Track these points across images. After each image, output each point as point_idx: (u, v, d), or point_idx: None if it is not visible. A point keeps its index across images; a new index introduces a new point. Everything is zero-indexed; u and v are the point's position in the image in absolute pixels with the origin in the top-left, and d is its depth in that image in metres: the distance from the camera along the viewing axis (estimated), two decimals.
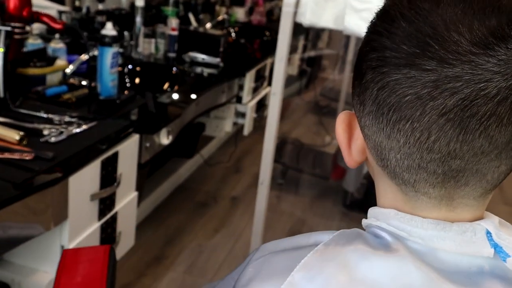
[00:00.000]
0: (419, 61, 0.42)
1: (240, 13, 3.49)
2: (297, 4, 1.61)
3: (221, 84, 2.26)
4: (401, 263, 0.46)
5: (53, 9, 2.14)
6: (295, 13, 1.62)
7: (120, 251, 1.58)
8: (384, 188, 0.52)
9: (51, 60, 1.76)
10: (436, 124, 0.43)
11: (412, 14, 0.44)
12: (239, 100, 2.58)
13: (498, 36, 0.41)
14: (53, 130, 1.37)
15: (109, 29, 1.68)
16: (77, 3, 2.22)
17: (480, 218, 0.49)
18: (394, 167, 0.48)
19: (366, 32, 0.49)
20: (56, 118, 1.45)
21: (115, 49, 1.69)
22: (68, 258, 0.81)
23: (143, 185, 2.20)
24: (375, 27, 0.48)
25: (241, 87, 2.55)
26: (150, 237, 2.46)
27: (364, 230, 0.53)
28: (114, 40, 1.68)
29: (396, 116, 0.45)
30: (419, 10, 0.44)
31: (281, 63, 1.64)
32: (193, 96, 2.00)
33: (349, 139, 0.53)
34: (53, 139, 1.31)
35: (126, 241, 1.60)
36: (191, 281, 2.21)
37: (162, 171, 2.80)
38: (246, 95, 2.56)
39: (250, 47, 2.93)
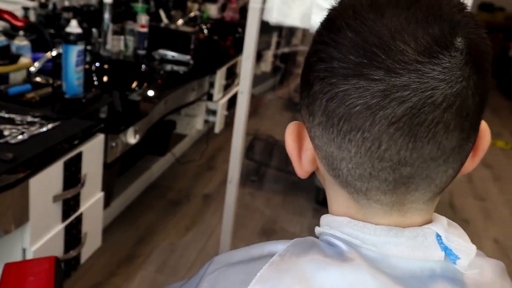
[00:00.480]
0: (366, 71, 0.43)
1: (212, 10, 3.47)
2: (264, 0, 1.60)
3: (191, 82, 2.25)
4: (357, 272, 0.46)
5: (18, 5, 2.10)
6: (262, 9, 1.61)
7: (86, 252, 1.56)
8: (336, 196, 0.52)
9: (14, 58, 1.73)
10: (386, 133, 0.43)
11: (357, 24, 0.44)
12: (210, 97, 2.56)
13: (441, 44, 0.42)
14: (14, 130, 1.34)
15: (73, 27, 1.65)
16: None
17: (430, 220, 0.50)
18: (346, 177, 0.48)
19: (313, 42, 0.49)
20: (18, 118, 1.42)
21: (80, 47, 1.67)
22: (12, 272, 0.79)
23: (113, 184, 2.18)
24: (321, 37, 0.48)
25: (212, 85, 2.53)
26: (122, 236, 2.43)
27: (317, 237, 0.53)
28: (79, 38, 1.66)
29: (347, 126, 0.45)
30: (365, 20, 0.44)
31: (248, 61, 1.64)
32: (162, 94, 1.98)
33: (299, 149, 0.53)
34: (13, 140, 1.29)
35: (92, 242, 1.58)
36: (163, 280, 2.20)
37: (134, 169, 2.77)
38: (217, 92, 2.54)
39: (222, 44, 2.92)
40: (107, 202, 2.19)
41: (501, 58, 6.45)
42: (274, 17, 1.57)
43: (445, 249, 0.47)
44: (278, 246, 0.50)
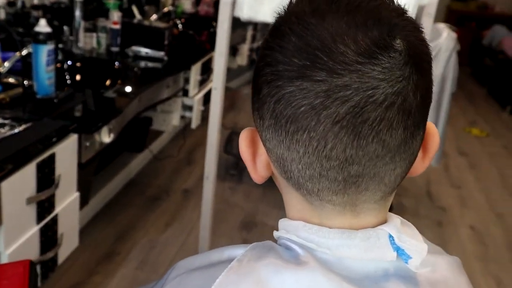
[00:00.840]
0: (310, 72, 0.44)
1: (186, 4, 3.45)
2: None
3: (165, 78, 2.24)
4: (312, 275, 0.47)
5: None
6: (234, 4, 1.61)
7: (63, 252, 1.55)
8: (291, 199, 0.53)
9: None
10: (331, 132, 0.44)
11: (300, 29, 0.46)
12: (185, 93, 2.56)
13: (380, 46, 0.43)
14: None
15: (42, 26, 1.63)
16: None
17: (384, 220, 0.51)
18: (297, 178, 0.49)
19: (260, 49, 0.51)
20: None
21: (50, 46, 1.65)
22: None
23: (90, 183, 2.16)
24: (268, 43, 0.49)
25: (187, 80, 2.52)
26: (101, 234, 2.42)
27: (276, 241, 0.54)
28: (48, 37, 1.64)
29: (294, 127, 0.46)
30: (307, 25, 0.46)
31: (221, 58, 1.64)
32: (136, 91, 1.97)
33: (253, 155, 0.54)
34: None
35: (69, 242, 1.57)
36: (143, 277, 2.20)
37: (112, 166, 2.76)
38: (192, 88, 2.54)
39: (198, 38, 2.91)
40: (85, 200, 2.18)
41: (475, 47, 6.54)
42: (245, 13, 1.57)
43: (397, 249, 0.48)
44: (237, 251, 0.51)
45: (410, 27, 0.46)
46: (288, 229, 0.52)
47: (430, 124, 0.51)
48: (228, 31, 1.62)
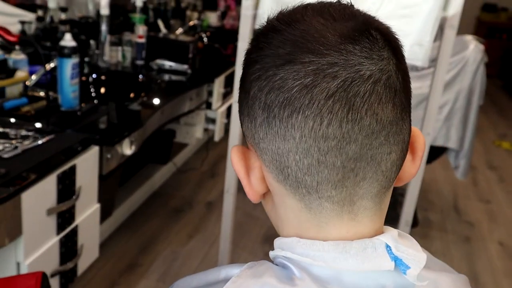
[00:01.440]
0: (296, 56, 0.46)
1: (212, 18, 3.49)
2: (256, 6, 1.61)
3: (188, 91, 2.25)
4: None
5: (17, 17, 2.12)
6: (255, 16, 1.61)
7: (83, 263, 1.57)
8: (286, 214, 0.52)
9: (10, 72, 1.75)
10: (325, 107, 0.45)
11: (283, 27, 0.49)
12: (209, 106, 2.57)
13: (359, 30, 0.47)
14: (7, 145, 1.35)
15: (68, 40, 1.67)
16: (39, 13, 2.20)
17: (380, 229, 0.51)
18: (295, 173, 0.48)
19: (243, 63, 0.52)
20: (12, 132, 1.44)
21: (75, 60, 1.68)
22: None
23: (114, 195, 2.19)
24: (251, 47, 0.51)
25: (210, 93, 2.54)
26: (124, 245, 2.44)
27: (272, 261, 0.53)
28: (73, 51, 1.67)
29: (288, 111, 0.46)
30: (289, 23, 0.49)
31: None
32: (159, 104, 1.99)
33: (246, 170, 0.53)
34: (6, 155, 1.30)
35: (89, 253, 1.59)
36: None
37: (137, 178, 2.79)
38: (215, 101, 2.55)
39: (223, 52, 2.93)
40: (109, 212, 2.21)
41: (506, 58, 6.41)
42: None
43: (395, 259, 0.48)
44: (234, 270, 0.51)
45: (382, 22, 0.50)
46: (283, 247, 0.51)
47: (414, 127, 0.52)
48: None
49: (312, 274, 0.48)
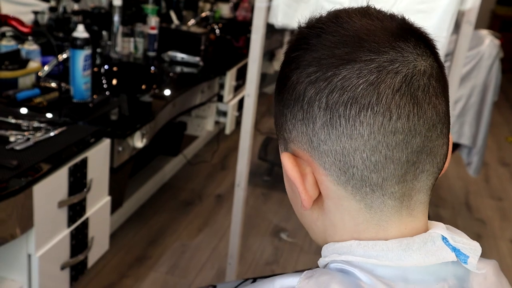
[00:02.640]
0: (356, 55, 0.47)
1: (225, 9, 3.46)
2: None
3: (200, 84, 2.24)
4: None
5: (31, 7, 2.12)
6: (268, 9, 1.59)
7: (94, 256, 1.57)
8: (342, 218, 0.52)
9: (23, 63, 1.74)
10: (393, 102, 0.46)
11: (334, 29, 0.50)
12: (220, 98, 2.56)
13: (405, 30, 0.50)
14: (19, 136, 1.35)
15: (80, 32, 1.66)
16: (52, 3, 2.19)
17: (426, 226, 0.52)
18: (361, 172, 0.48)
19: (287, 64, 0.52)
20: (24, 123, 1.43)
21: (87, 51, 1.67)
22: None
23: (124, 186, 2.19)
24: (296, 53, 0.51)
25: (222, 86, 2.52)
26: (134, 237, 2.45)
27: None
28: (86, 43, 1.66)
29: (355, 109, 0.47)
30: (336, 24, 0.50)
31: (254, 64, 1.62)
32: (170, 96, 1.98)
33: (300, 175, 0.52)
34: (18, 147, 1.30)
35: (99, 246, 1.59)
36: (173, 282, 2.21)
37: (147, 169, 2.79)
38: (227, 94, 2.54)
39: (235, 44, 2.91)
40: (119, 203, 2.20)
41: None
42: (279, 20, 1.55)
43: (454, 249, 0.49)
44: (287, 280, 0.50)
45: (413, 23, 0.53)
46: (341, 251, 0.51)
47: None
48: (262, 37, 1.60)
49: (377, 275, 0.48)
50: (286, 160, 0.51)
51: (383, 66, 0.47)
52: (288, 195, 0.59)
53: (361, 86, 0.46)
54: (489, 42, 2.59)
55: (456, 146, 2.74)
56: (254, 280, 0.73)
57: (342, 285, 0.47)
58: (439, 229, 0.50)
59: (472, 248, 0.50)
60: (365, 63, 0.46)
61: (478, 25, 2.90)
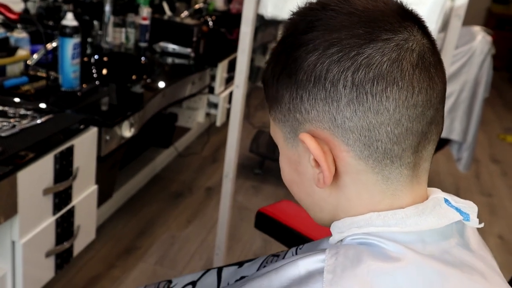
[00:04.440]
0: (376, 35, 0.50)
1: (218, 2, 3.44)
2: None
3: (190, 75, 2.24)
4: (417, 268, 0.49)
5: None
6: (258, 1, 1.59)
7: (79, 244, 1.56)
8: (359, 191, 0.54)
9: (12, 50, 1.73)
10: (414, 77, 0.50)
11: (350, 10, 0.52)
12: (211, 90, 2.55)
13: (407, 11, 0.54)
14: (5, 123, 1.35)
15: (69, 20, 1.65)
16: None
17: (427, 190, 0.57)
18: (385, 145, 0.51)
19: (301, 47, 0.53)
20: (10, 111, 1.43)
21: (76, 40, 1.67)
22: None
23: (114, 177, 2.18)
24: (307, 30, 0.53)
25: (213, 78, 2.52)
26: (123, 228, 2.45)
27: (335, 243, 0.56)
28: (75, 31, 1.66)
29: (382, 85, 0.50)
30: (350, 5, 0.53)
31: (243, 55, 1.62)
32: (160, 87, 1.98)
33: (324, 153, 0.53)
34: (4, 133, 1.29)
35: (85, 235, 1.59)
36: (162, 273, 2.21)
37: (138, 161, 2.78)
38: (218, 85, 2.53)
39: (229, 36, 2.90)
40: (109, 193, 2.20)
41: None
42: (269, 11, 1.55)
43: (457, 209, 0.53)
44: (311, 261, 0.51)
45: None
46: (360, 225, 0.53)
47: None
48: (251, 28, 1.60)
49: (399, 242, 0.51)
50: (309, 140, 0.53)
51: (401, 45, 0.50)
52: (286, 178, 0.61)
53: (386, 64, 0.49)
54: (481, 38, 2.60)
55: (446, 141, 2.75)
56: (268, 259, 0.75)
57: (372, 256, 0.49)
58: (440, 193, 0.55)
59: (469, 206, 0.55)
60: (385, 42, 0.50)
61: (473, 23, 2.90)
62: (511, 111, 5.28)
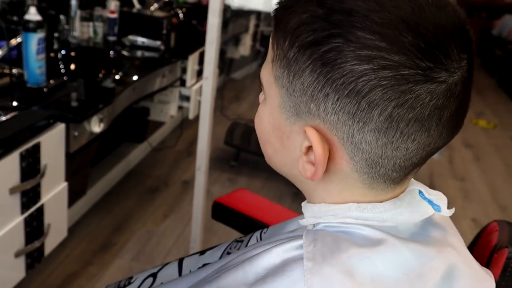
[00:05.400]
0: (435, 74, 0.46)
1: None
2: None
3: (160, 68, 2.21)
4: (396, 250, 0.50)
5: None
6: None
7: (51, 243, 1.54)
8: (341, 189, 0.53)
9: None
10: (446, 125, 0.50)
11: (413, 20, 0.47)
12: (183, 83, 2.53)
13: (459, 29, 0.49)
14: None
15: (32, 14, 1.61)
16: None
17: None
18: (387, 171, 0.51)
19: (357, 41, 0.46)
20: None
21: (40, 34, 1.63)
22: None
23: (87, 173, 2.15)
24: (380, 32, 0.46)
25: (184, 70, 2.50)
26: (98, 225, 2.42)
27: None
28: (39, 26, 1.62)
29: (416, 128, 0.48)
30: (417, 16, 0.47)
31: (212, 47, 1.61)
32: (129, 81, 1.95)
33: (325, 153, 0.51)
34: None
35: (57, 233, 1.56)
36: (139, 268, 2.19)
37: (112, 156, 2.75)
38: (189, 78, 2.51)
39: (199, 28, 2.88)
40: (83, 191, 2.17)
41: (485, 37, 6.45)
42: (236, 2, 1.54)
43: (429, 202, 0.54)
44: (285, 249, 0.51)
45: None
46: (337, 213, 0.52)
47: None
48: (219, 19, 1.59)
49: (376, 228, 0.51)
50: (316, 139, 0.50)
51: (452, 91, 0.47)
52: (262, 134, 0.58)
53: (430, 109, 0.47)
54: None
55: None
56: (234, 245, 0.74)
57: (351, 242, 0.49)
58: (415, 184, 0.56)
59: (440, 198, 0.56)
60: (438, 85, 0.46)
61: None
62: (483, 96, 5.36)
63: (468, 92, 0.50)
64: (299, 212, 0.61)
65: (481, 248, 0.59)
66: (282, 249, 0.50)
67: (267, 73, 0.54)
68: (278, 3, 0.52)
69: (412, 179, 0.56)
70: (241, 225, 1.13)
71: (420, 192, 0.54)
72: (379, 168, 0.50)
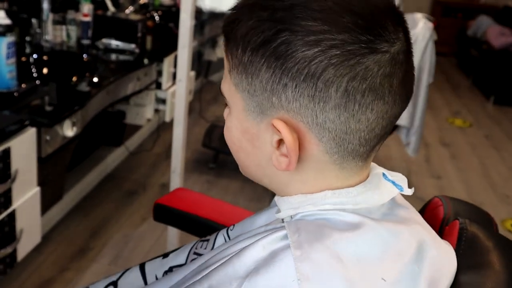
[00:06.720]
0: (377, 45, 0.50)
1: None
2: None
3: (134, 71, 2.21)
4: (375, 232, 0.53)
5: None
6: None
7: (24, 249, 1.53)
8: (315, 176, 0.55)
9: None
10: (397, 91, 0.53)
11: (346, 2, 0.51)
12: (159, 86, 2.52)
13: (391, 9, 0.54)
14: None
15: (1, 18, 1.60)
16: None
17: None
18: (354, 147, 0.53)
19: (293, 31, 0.50)
20: None
21: (10, 38, 1.62)
22: None
23: (62, 178, 2.14)
24: (308, 18, 0.50)
25: (160, 73, 2.49)
26: (75, 230, 2.40)
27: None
28: (8, 29, 1.61)
29: (371, 97, 0.51)
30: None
31: (184, 50, 1.61)
32: (103, 84, 1.94)
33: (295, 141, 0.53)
34: None
35: (30, 238, 1.55)
36: (116, 272, 2.18)
37: (89, 160, 2.73)
38: (165, 81, 2.51)
39: (175, 31, 2.87)
40: (59, 195, 2.15)
41: (461, 37, 6.53)
42: (207, 3, 1.54)
43: (393, 183, 0.58)
44: (269, 240, 0.52)
45: None
46: (315, 201, 0.55)
47: None
48: (191, 21, 1.59)
49: (353, 212, 0.54)
50: (284, 129, 0.52)
51: (395, 59, 0.51)
52: (233, 143, 0.60)
53: (380, 78, 0.50)
54: (422, 25, 2.65)
55: (394, 127, 2.81)
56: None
57: (333, 228, 0.52)
58: (378, 168, 0.59)
59: (401, 178, 0.60)
60: (383, 54, 0.50)
61: (418, 10, 2.96)
62: (459, 96, 5.43)
63: (410, 62, 0.54)
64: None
65: (428, 222, 0.63)
66: (266, 241, 0.52)
67: (227, 85, 0.57)
68: (224, 20, 0.57)
69: (374, 163, 0.60)
70: (185, 224, 1.12)
71: (383, 174, 0.58)
72: (347, 144, 0.53)
